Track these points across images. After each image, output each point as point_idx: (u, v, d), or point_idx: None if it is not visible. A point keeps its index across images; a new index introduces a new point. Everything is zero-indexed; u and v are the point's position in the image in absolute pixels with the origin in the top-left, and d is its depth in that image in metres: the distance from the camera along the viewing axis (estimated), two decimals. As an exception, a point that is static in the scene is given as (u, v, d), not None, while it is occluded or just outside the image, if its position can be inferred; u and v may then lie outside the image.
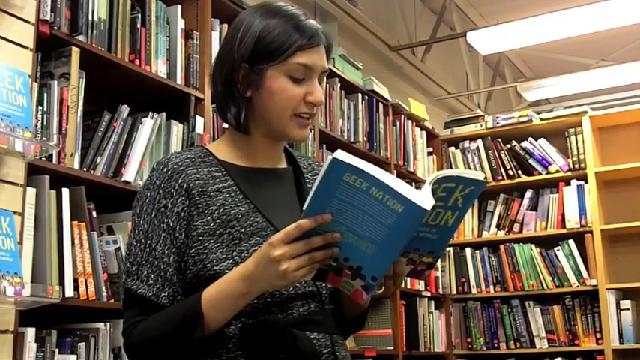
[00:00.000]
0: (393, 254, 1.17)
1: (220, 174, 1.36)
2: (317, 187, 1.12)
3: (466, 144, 4.98)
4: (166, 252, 1.29)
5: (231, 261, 1.27)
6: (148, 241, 1.30)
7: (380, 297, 1.29)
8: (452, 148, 5.04)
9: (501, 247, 4.73)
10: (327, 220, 1.13)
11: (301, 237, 1.15)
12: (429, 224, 1.22)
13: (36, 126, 2.09)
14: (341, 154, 1.10)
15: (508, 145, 4.83)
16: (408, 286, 4.36)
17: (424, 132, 4.89)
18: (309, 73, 1.35)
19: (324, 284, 1.34)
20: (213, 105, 2.84)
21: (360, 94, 4.09)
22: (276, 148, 1.44)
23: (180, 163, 1.34)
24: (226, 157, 1.39)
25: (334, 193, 1.12)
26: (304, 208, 1.14)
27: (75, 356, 2.18)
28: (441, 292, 4.78)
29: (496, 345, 4.69)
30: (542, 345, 4.56)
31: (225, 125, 1.45)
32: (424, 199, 1.11)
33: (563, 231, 4.58)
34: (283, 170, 1.45)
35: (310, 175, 1.48)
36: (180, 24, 2.81)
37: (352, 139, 3.98)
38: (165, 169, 1.33)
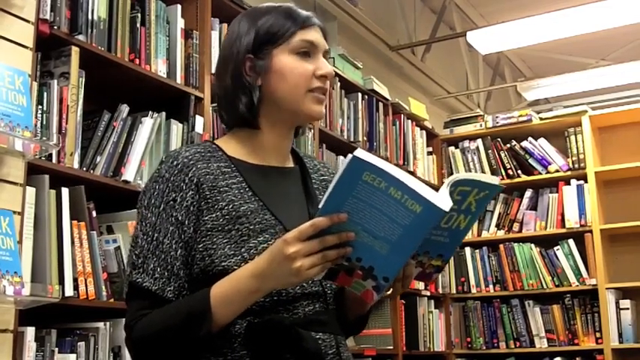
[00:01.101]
0: (407, 254, 1.17)
1: (230, 170, 1.35)
2: (335, 185, 1.11)
3: (466, 143, 4.99)
4: (174, 246, 1.28)
5: (239, 257, 1.26)
6: (155, 234, 1.28)
7: (387, 298, 1.32)
8: (452, 148, 5.04)
9: (501, 246, 4.73)
10: (343, 219, 1.13)
11: (315, 235, 1.14)
12: (441, 227, 1.21)
13: (35, 125, 2.09)
14: (361, 153, 1.10)
15: (508, 145, 4.83)
16: (408, 286, 4.36)
17: (424, 131, 4.89)
18: (313, 49, 1.37)
19: (328, 284, 1.34)
20: (213, 105, 2.86)
21: (359, 94, 4.09)
22: (284, 144, 1.43)
23: (190, 157, 1.33)
24: (235, 153, 1.39)
25: (352, 191, 1.11)
26: (320, 206, 1.14)
27: (75, 356, 2.18)
28: (440, 292, 4.79)
29: (496, 344, 4.69)
30: (541, 344, 4.56)
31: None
32: (443, 200, 1.10)
33: (563, 230, 4.58)
34: (290, 169, 1.45)
35: (316, 175, 1.48)
36: (180, 23, 2.81)
37: (352, 139, 3.98)
38: (175, 162, 1.32)
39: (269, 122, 1.39)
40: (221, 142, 1.41)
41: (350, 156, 1.09)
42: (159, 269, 1.27)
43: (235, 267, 1.24)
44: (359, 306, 1.40)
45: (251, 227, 1.29)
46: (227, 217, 1.29)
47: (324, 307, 1.34)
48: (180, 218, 1.28)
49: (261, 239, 1.28)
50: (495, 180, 1.22)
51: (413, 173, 4.59)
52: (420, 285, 4.53)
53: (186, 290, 1.28)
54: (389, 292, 1.29)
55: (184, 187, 1.30)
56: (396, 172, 1.09)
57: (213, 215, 1.29)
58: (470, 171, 4.91)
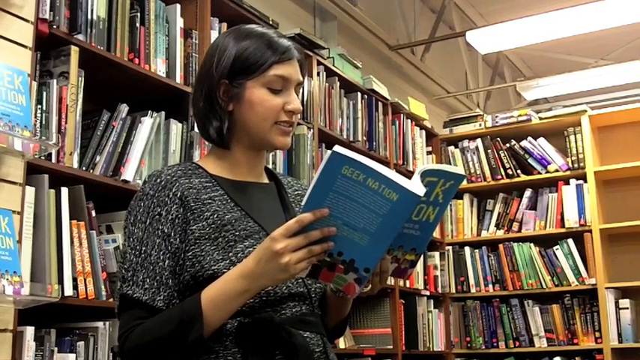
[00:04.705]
0: (386, 244, 1.21)
1: (211, 184, 1.41)
2: (316, 181, 1.17)
3: (465, 143, 4.99)
4: (161, 257, 1.32)
5: (228, 261, 1.30)
6: (143, 248, 1.32)
7: (366, 295, 1.38)
8: (451, 147, 5.04)
9: (500, 246, 4.73)
10: (325, 213, 1.18)
11: (300, 232, 1.19)
12: (412, 220, 1.27)
13: (35, 125, 2.09)
14: (340, 149, 1.15)
15: (507, 145, 4.83)
16: (407, 285, 4.37)
17: (423, 131, 4.89)
18: (285, 85, 1.42)
19: (313, 287, 1.40)
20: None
21: (359, 93, 4.09)
22: (258, 162, 1.50)
23: (172, 174, 1.38)
24: (215, 170, 1.45)
25: (332, 186, 1.16)
26: (303, 203, 1.19)
27: (74, 355, 2.18)
28: (440, 292, 4.78)
29: (495, 344, 4.69)
30: (541, 344, 4.56)
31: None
32: (416, 186, 1.16)
33: (563, 230, 4.58)
34: (266, 184, 1.52)
35: (291, 190, 1.54)
36: (180, 23, 2.81)
37: (352, 139, 3.98)
38: (158, 180, 1.37)
39: (240, 144, 1.45)
40: (201, 162, 1.48)
41: (329, 152, 1.16)
42: (148, 280, 1.30)
43: (224, 270, 1.29)
44: (338, 312, 1.47)
45: (236, 233, 1.34)
46: (213, 225, 1.34)
47: (310, 309, 1.39)
48: (166, 230, 1.33)
49: (246, 244, 1.33)
50: (459, 170, 1.30)
51: (412, 173, 4.58)
52: (420, 284, 4.54)
53: (176, 299, 1.32)
54: (367, 289, 1.35)
55: (169, 202, 1.35)
56: (372, 164, 1.15)
57: (200, 225, 1.34)
58: (470, 171, 4.92)
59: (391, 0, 5.70)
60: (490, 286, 4.76)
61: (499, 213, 4.85)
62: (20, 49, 2.02)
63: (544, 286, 4.57)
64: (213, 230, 1.33)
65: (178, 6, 2.81)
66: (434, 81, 6.14)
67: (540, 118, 4.83)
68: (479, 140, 4.92)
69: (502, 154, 4.83)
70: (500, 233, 4.81)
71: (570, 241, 4.55)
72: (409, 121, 4.67)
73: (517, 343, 4.62)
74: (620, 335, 4.38)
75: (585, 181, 4.56)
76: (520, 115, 4.87)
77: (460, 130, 5.04)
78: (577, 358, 4.48)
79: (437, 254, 4.79)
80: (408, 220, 1.25)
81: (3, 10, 1.97)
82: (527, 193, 4.77)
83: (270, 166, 2.74)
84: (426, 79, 6.07)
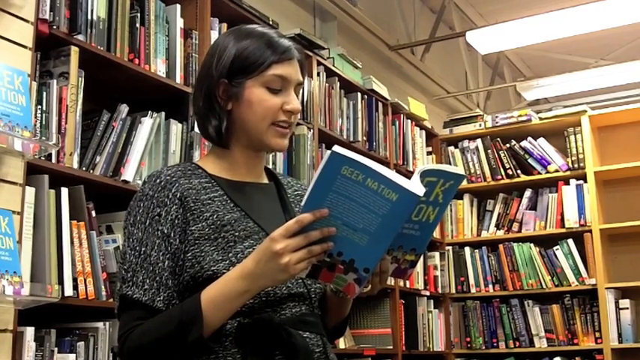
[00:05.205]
0: (386, 244, 1.21)
1: (210, 185, 1.41)
2: (315, 181, 1.17)
3: (465, 143, 4.99)
4: (161, 257, 1.32)
5: (227, 262, 1.30)
6: (143, 249, 1.32)
7: (366, 295, 1.39)
8: (451, 148, 5.04)
9: (500, 246, 4.73)
10: (325, 214, 1.18)
11: (300, 232, 1.19)
12: (412, 220, 1.27)
13: (35, 125, 2.09)
14: (339, 149, 1.15)
15: (507, 145, 4.83)
16: (407, 285, 4.37)
17: (423, 131, 4.89)
18: (285, 85, 1.42)
19: (313, 287, 1.40)
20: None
21: (359, 94, 4.10)
22: (257, 162, 1.49)
23: (172, 175, 1.38)
24: (214, 170, 1.44)
25: (331, 186, 1.16)
26: (302, 203, 1.19)
27: (74, 355, 2.18)
28: (440, 292, 4.78)
29: (495, 344, 4.69)
30: (541, 344, 4.56)
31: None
32: (416, 186, 1.16)
33: (563, 230, 4.58)
34: (266, 184, 1.51)
35: (290, 190, 1.54)
36: (180, 23, 2.81)
37: (352, 139, 3.98)
38: (157, 180, 1.37)
39: (240, 144, 1.45)
40: (200, 162, 1.48)
41: (328, 152, 1.15)
42: (148, 281, 1.31)
43: (224, 271, 1.29)
44: (338, 312, 1.47)
45: (236, 234, 1.34)
46: (212, 226, 1.34)
47: (310, 309, 1.39)
48: (165, 231, 1.33)
49: (246, 244, 1.33)
50: (459, 170, 1.30)
51: (412, 173, 4.57)
52: (420, 285, 4.54)
53: (176, 299, 1.32)
54: (367, 289, 1.34)
55: (168, 202, 1.34)
56: (372, 164, 1.15)
57: (199, 225, 1.34)
58: (470, 171, 4.92)
59: (391, 0, 5.70)
60: (490, 286, 4.76)
61: (499, 213, 4.85)
62: (20, 50, 2.02)
63: (544, 286, 4.57)
64: (213, 231, 1.33)
65: (178, 6, 2.81)
66: (434, 81, 6.14)
67: (540, 119, 4.83)
68: (479, 140, 4.92)
69: (502, 155, 4.83)
70: (501, 233, 4.81)
71: (570, 241, 4.55)
72: (409, 121, 4.67)
73: (517, 344, 4.62)
74: (620, 335, 4.38)
75: (585, 181, 4.56)
76: (520, 116, 4.87)
77: (460, 130, 5.05)
78: (577, 359, 4.48)
79: (437, 254, 4.79)
80: (408, 221, 1.25)
81: (3, 10, 1.97)
82: (527, 193, 4.77)
83: (270, 166, 2.74)
84: (425, 79, 6.07)
